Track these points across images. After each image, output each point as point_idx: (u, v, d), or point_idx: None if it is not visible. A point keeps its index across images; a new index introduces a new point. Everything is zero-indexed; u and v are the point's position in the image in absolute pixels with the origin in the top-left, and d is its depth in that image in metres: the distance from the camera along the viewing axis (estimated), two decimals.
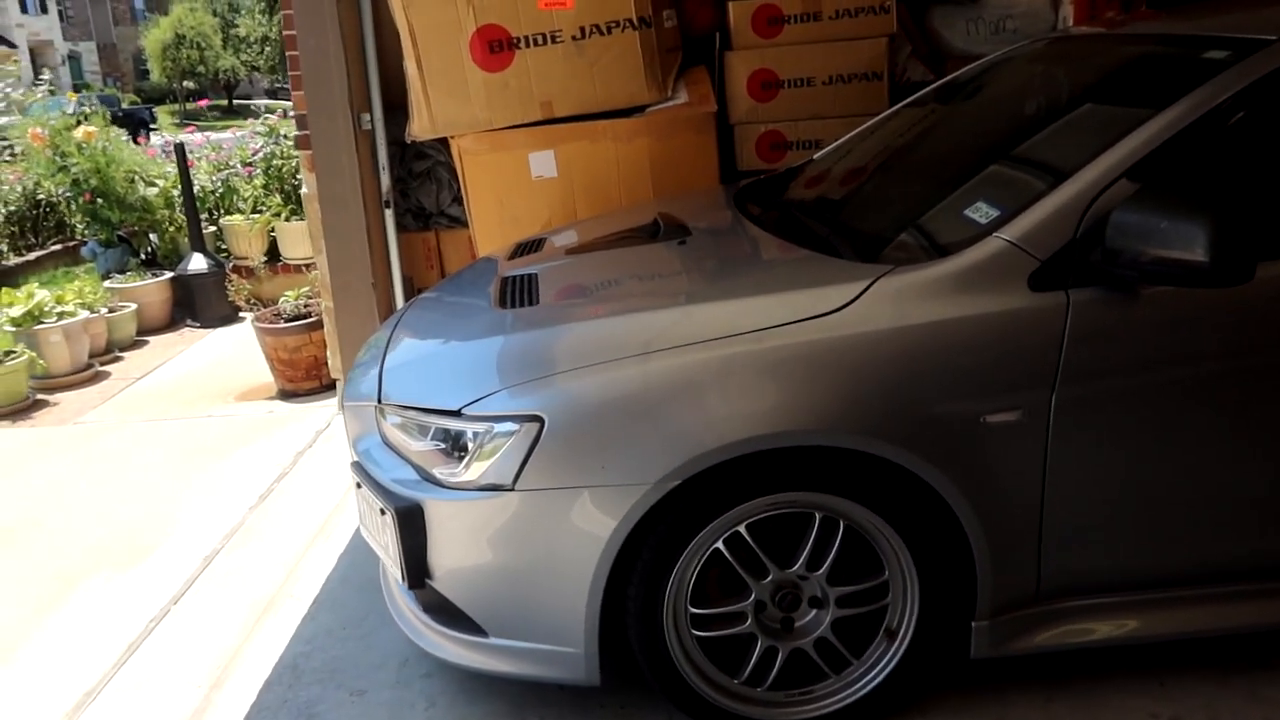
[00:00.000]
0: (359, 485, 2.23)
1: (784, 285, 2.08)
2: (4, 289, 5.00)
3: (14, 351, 4.66)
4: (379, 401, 2.24)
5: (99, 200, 6.04)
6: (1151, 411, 1.94)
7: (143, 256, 6.52)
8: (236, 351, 5.52)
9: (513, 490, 1.94)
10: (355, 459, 2.29)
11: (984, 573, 2.00)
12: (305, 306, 4.67)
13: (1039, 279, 1.91)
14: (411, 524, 2.04)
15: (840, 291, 1.94)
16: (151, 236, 6.54)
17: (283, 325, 4.54)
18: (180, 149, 5.90)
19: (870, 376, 1.89)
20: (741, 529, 1.97)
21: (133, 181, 6.21)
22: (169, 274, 6.12)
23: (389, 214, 4.06)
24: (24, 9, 39.00)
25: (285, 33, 3.89)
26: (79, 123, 6.15)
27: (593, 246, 2.72)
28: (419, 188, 4.21)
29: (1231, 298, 1.87)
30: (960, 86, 2.95)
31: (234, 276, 5.06)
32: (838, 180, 2.81)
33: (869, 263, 2.07)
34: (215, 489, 3.70)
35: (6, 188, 7.65)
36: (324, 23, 3.76)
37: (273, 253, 6.29)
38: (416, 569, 2.07)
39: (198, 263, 6.02)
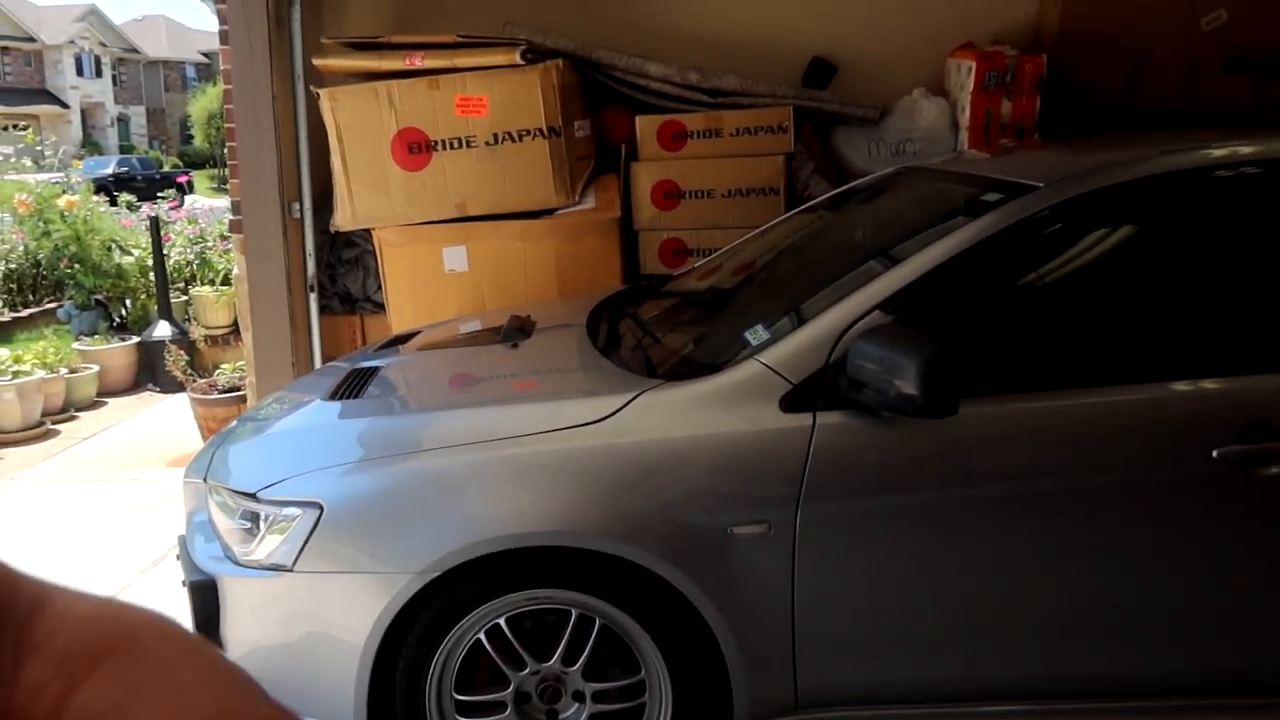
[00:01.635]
0: (177, 557, 2.37)
1: (564, 394, 2.23)
2: None
3: None
4: (205, 479, 2.39)
5: (76, 265, 6.35)
6: (891, 530, 2.05)
7: (115, 321, 6.80)
8: (186, 418, 5.72)
9: (292, 571, 2.08)
10: (182, 532, 2.44)
11: (738, 680, 2.09)
12: (241, 379, 4.87)
13: (790, 401, 2.04)
14: (204, 598, 2.17)
15: (607, 403, 2.09)
16: (125, 302, 6.83)
17: (214, 396, 4.74)
18: (155, 222, 6.22)
19: (622, 484, 2.02)
20: (501, 622, 2.08)
21: (110, 250, 6.53)
22: (135, 339, 6.38)
23: (313, 298, 4.27)
24: (80, 72, 40.82)
25: (227, 125, 4.16)
26: (64, 191, 6.50)
27: (443, 344, 2.90)
28: (346, 274, 4.43)
29: (953, 430, 1.99)
30: (811, 211, 3.14)
31: (173, 349, 5.29)
32: (675, 296, 2.98)
33: (650, 377, 2.21)
34: (117, 550, 3.84)
35: (8, 246, 8.03)
36: (260, 119, 4.04)
37: (238, 324, 6.55)
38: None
39: (163, 329, 6.28)
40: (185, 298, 6.74)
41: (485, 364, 2.61)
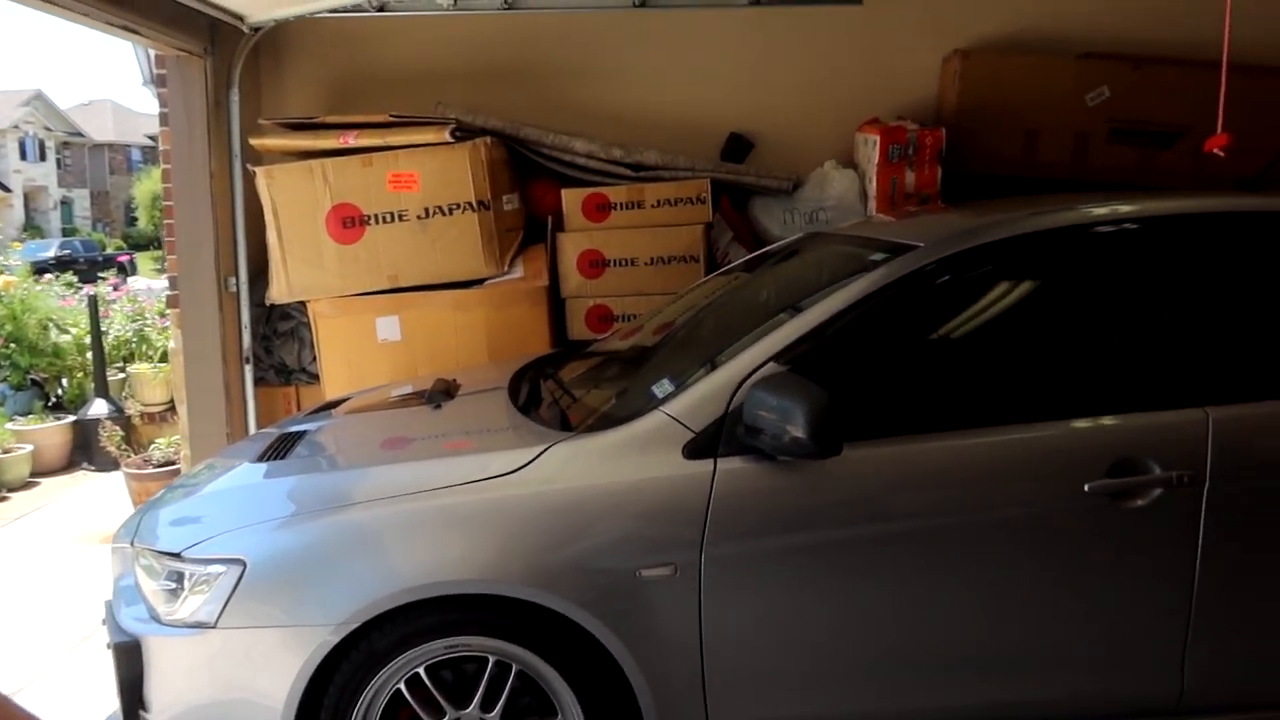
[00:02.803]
0: (103, 622, 2.41)
1: (480, 449, 2.34)
2: None
3: None
4: (132, 544, 2.44)
5: (12, 345, 6.33)
6: (791, 569, 2.17)
7: (51, 400, 6.76)
8: (120, 495, 5.67)
9: (215, 628, 2.13)
10: (109, 597, 2.47)
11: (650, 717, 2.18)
12: (176, 453, 4.88)
13: (692, 448, 2.17)
14: (128, 659, 2.21)
15: (518, 455, 2.20)
16: (62, 381, 6.80)
17: (149, 471, 4.74)
18: (93, 300, 6.24)
19: (533, 532, 2.12)
20: (420, 671, 2.15)
21: (46, 329, 6.52)
22: (71, 418, 6.34)
23: (248, 370, 4.34)
24: (23, 155, 40.52)
25: (165, 203, 4.27)
26: (1, 272, 6.51)
27: (371, 408, 2.99)
28: (282, 346, 4.51)
29: (846, 471, 2.14)
30: (728, 274, 3.32)
31: (108, 425, 5.29)
32: (596, 358, 3.11)
33: (565, 431, 2.33)
34: (45, 629, 3.80)
35: None
36: (198, 196, 4.15)
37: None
38: (130, 703, 2.23)
39: (99, 408, 6.25)
40: (123, 375, 6.72)
41: (408, 425, 2.71)
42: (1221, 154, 2.98)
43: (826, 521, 2.17)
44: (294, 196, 4.05)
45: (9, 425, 6.10)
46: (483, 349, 4.12)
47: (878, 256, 2.43)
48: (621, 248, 4.17)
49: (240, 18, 3.97)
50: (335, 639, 2.08)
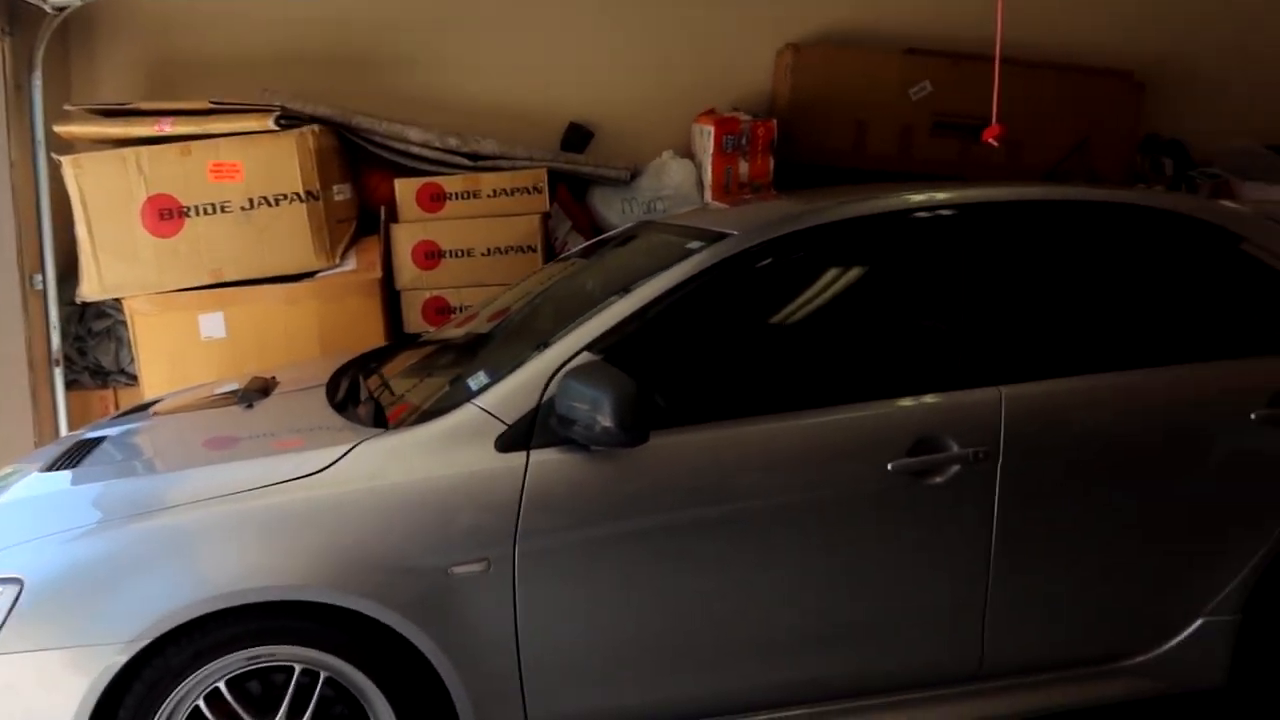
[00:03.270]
0: None
1: (285, 449, 2.25)
2: None
3: None
4: None
5: None
6: (608, 559, 2.17)
7: None
8: None
9: None
10: None
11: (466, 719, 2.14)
12: None
13: (505, 441, 2.14)
14: None
15: (325, 455, 2.12)
16: None
17: None
18: None
19: (338, 533, 2.05)
20: (221, 685, 2.05)
21: None
22: None
23: (58, 373, 4.06)
24: None
25: None
26: None
27: (183, 408, 2.84)
28: (97, 346, 4.24)
29: (660, 458, 2.15)
30: (563, 262, 3.30)
31: None
32: (424, 351, 3.04)
33: (380, 428, 2.27)
34: None
35: None
36: None
37: None
38: None
39: None
40: None
41: (215, 426, 2.58)
42: (996, 143, 3.17)
43: (641, 510, 2.18)
44: (105, 187, 3.80)
45: None
46: (315, 344, 3.97)
47: (694, 245, 2.46)
48: (457, 238, 4.09)
49: None
50: (123, 659, 1.96)
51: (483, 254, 4.10)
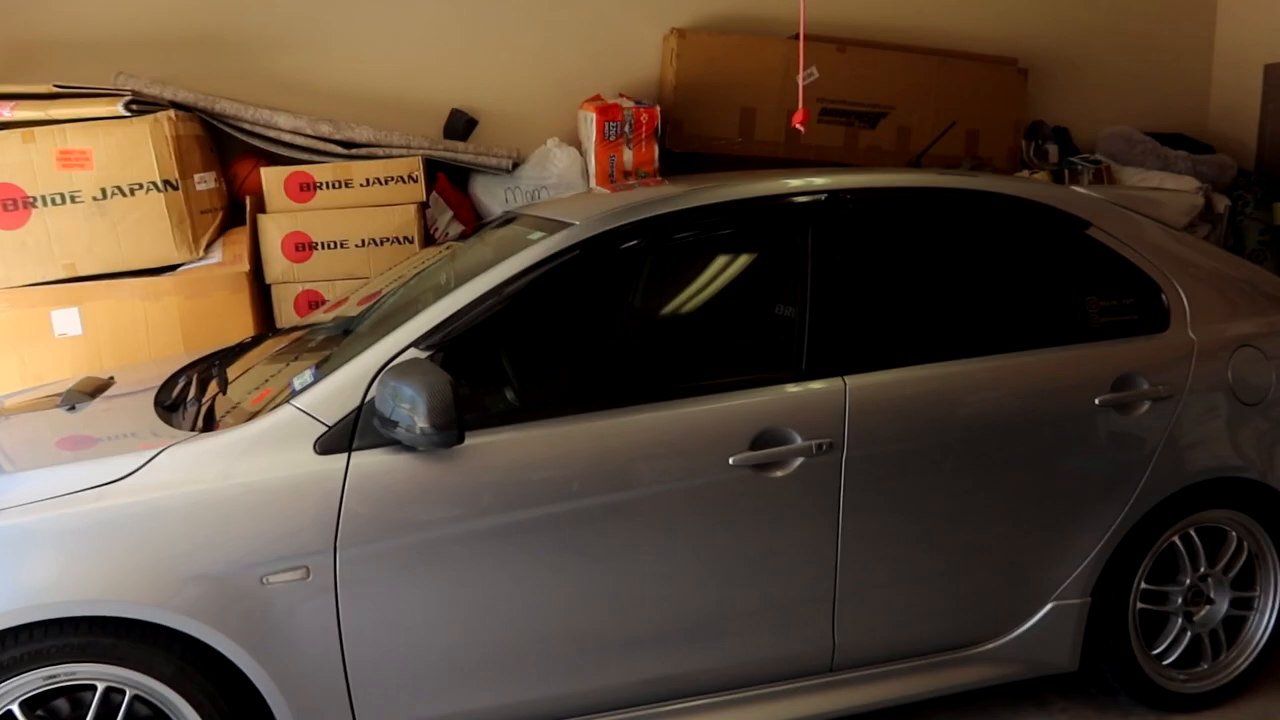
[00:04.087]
0: None
1: (90, 455, 2.11)
2: None
3: None
4: None
5: None
6: (435, 562, 2.09)
7: None
8: None
9: None
10: None
11: None
12: None
13: (325, 443, 2.04)
14: None
15: (131, 460, 2.00)
16: None
17: None
18: None
19: (139, 542, 1.93)
20: (14, 708, 1.92)
21: None
22: None
23: None
24: None
25: None
26: None
27: (14, 409, 2.68)
28: None
29: (488, 457, 2.07)
30: (434, 250, 3.19)
31: None
32: (276, 348, 2.91)
33: (203, 431, 2.15)
34: None
35: None
36: None
37: None
38: None
39: None
40: None
41: (32, 430, 2.43)
42: (803, 129, 3.17)
43: (470, 512, 2.10)
44: None
45: None
46: (178, 341, 3.80)
47: (534, 236, 2.38)
48: (330, 229, 3.94)
49: None
50: None
51: (357, 245, 3.96)
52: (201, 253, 3.84)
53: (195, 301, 3.81)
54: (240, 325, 3.83)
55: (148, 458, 2.00)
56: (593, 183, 4.26)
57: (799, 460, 2.26)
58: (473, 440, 2.06)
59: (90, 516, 1.93)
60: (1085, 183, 4.50)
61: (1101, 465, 2.49)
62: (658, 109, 4.23)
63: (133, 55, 4.12)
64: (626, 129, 4.18)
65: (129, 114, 3.61)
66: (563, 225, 2.35)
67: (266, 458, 2.02)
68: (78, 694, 1.98)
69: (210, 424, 2.24)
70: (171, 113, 3.73)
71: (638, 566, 2.21)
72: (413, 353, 2.11)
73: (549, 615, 2.18)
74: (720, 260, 2.41)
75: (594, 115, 4.19)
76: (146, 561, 1.92)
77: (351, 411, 2.06)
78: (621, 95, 4.42)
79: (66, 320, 3.78)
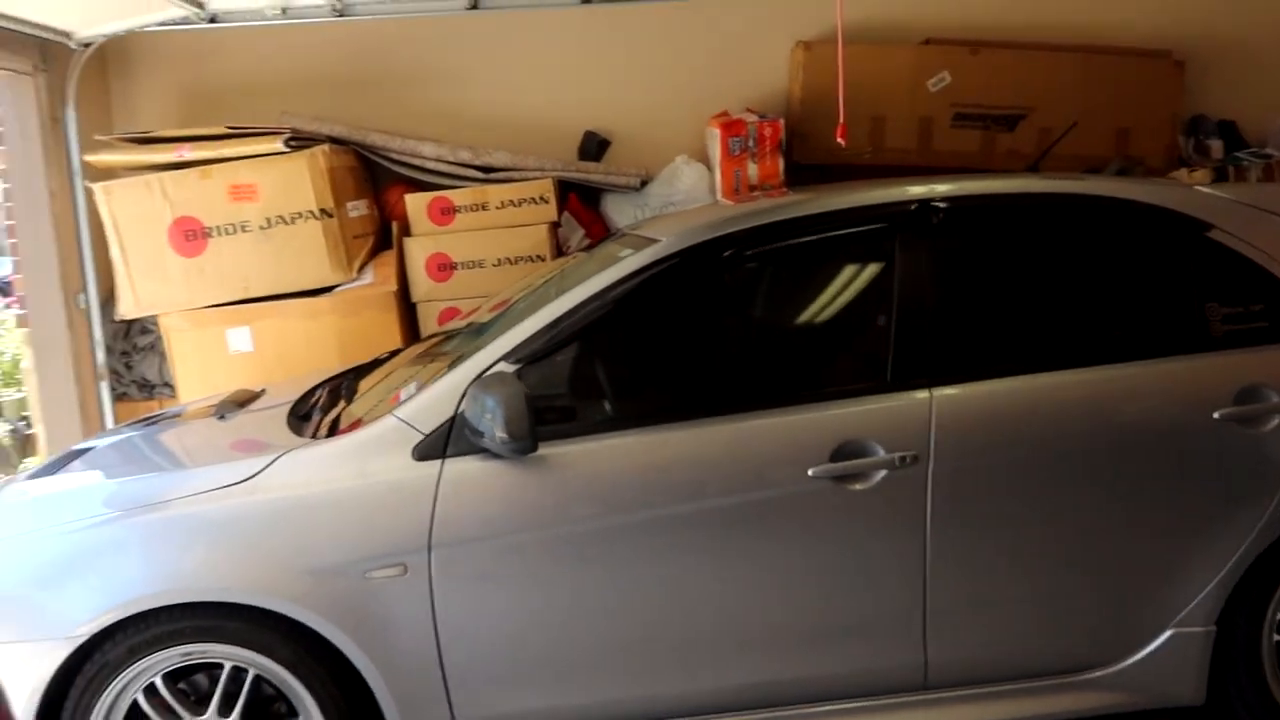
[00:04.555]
0: None
1: (224, 459, 2.36)
2: None
3: None
4: None
5: None
6: (523, 564, 2.20)
7: None
8: None
9: None
10: None
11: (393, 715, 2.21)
12: None
13: (422, 450, 2.20)
14: None
15: (253, 464, 2.22)
16: None
17: None
18: None
19: (261, 539, 2.15)
20: (157, 680, 2.17)
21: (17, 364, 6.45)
22: None
23: (104, 386, 4.34)
24: None
25: (8, 221, 4.26)
26: None
27: (186, 418, 3.01)
28: (143, 360, 4.51)
29: (575, 466, 2.18)
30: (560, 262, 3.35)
31: None
32: (396, 364, 3.13)
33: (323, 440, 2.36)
34: None
35: None
36: (38, 214, 4.15)
37: None
38: None
39: None
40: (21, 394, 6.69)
41: (190, 437, 2.73)
42: (844, 142, 3.10)
43: (552, 517, 2.21)
44: (134, 211, 4.05)
45: None
46: (334, 356, 4.12)
47: (624, 254, 2.47)
48: (468, 250, 4.19)
49: (66, 34, 3.97)
50: (65, 652, 2.10)
51: (494, 264, 4.19)
52: (355, 274, 4.16)
53: (349, 320, 4.14)
54: (390, 341, 4.12)
55: (268, 462, 2.22)
56: (719, 197, 4.32)
57: (881, 473, 2.24)
58: (557, 449, 2.18)
59: (218, 513, 2.17)
60: (1253, 179, 4.18)
61: (1222, 484, 2.33)
62: (781, 122, 4.25)
63: (295, 96, 4.52)
64: (750, 143, 4.23)
65: (288, 149, 3.97)
66: (650, 243, 2.43)
67: (370, 463, 2.20)
68: (214, 671, 2.22)
69: (333, 432, 2.45)
70: (326, 146, 4.07)
71: (723, 573, 2.25)
72: (502, 366, 2.24)
73: (628, 620, 2.25)
74: (807, 272, 2.43)
75: (719, 131, 4.25)
76: (262, 554, 2.14)
77: (445, 421, 2.21)
78: (748, 110, 4.46)
79: (239, 338, 4.18)
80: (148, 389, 4.53)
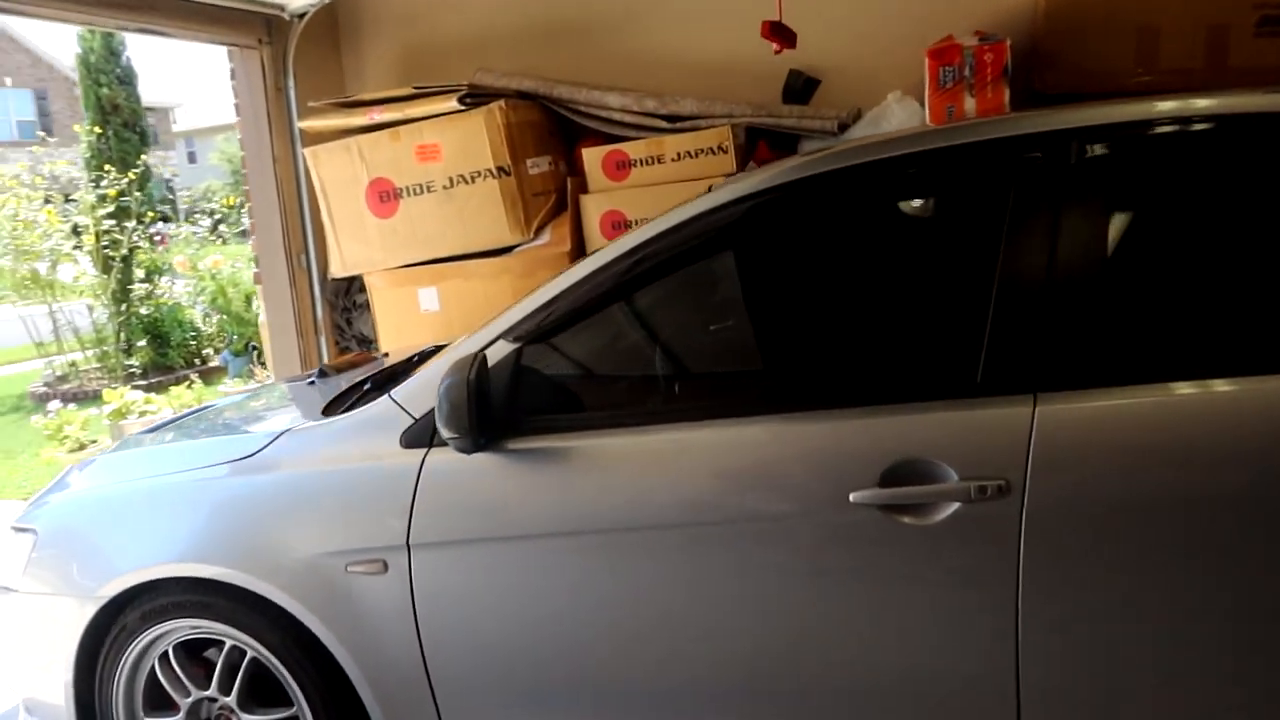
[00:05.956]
0: None
1: (237, 433, 2.29)
2: (107, 390, 6.16)
3: (95, 440, 5.73)
4: None
5: (223, 317, 7.24)
6: (503, 568, 1.91)
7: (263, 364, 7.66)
8: None
9: (17, 591, 2.29)
10: None
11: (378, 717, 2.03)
12: None
13: (410, 436, 1.98)
14: None
15: (258, 440, 2.13)
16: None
17: None
18: None
19: (253, 518, 2.05)
20: (169, 649, 2.17)
21: (249, 301, 7.37)
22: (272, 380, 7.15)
23: (322, 340, 4.61)
24: None
25: (244, 186, 4.63)
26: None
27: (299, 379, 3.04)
28: (360, 317, 4.74)
29: (558, 464, 1.85)
30: None
31: None
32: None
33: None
34: None
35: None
36: (265, 178, 4.46)
37: None
38: None
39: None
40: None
41: (276, 401, 2.72)
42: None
43: (538, 519, 1.88)
44: (337, 174, 4.21)
45: (221, 387, 6.99)
46: None
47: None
48: (642, 206, 3.89)
49: (280, 7, 4.17)
50: (93, 611, 2.15)
51: None
52: (532, 234, 4.03)
53: (525, 281, 4.01)
54: None
55: (270, 439, 2.11)
56: None
57: (952, 506, 1.66)
58: (539, 444, 1.86)
59: (215, 489, 2.10)
60: None
61: None
62: (1006, 44, 3.46)
63: (497, 51, 4.45)
64: (967, 72, 3.50)
65: (463, 107, 3.90)
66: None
67: (360, 447, 2.02)
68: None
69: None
70: (503, 102, 3.94)
71: (701, 608, 1.80)
72: (501, 344, 1.95)
73: (606, 642, 1.88)
74: (858, 236, 1.87)
75: (928, 61, 3.57)
76: (250, 534, 2.04)
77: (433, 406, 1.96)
78: (976, 33, 3.70)
79: (429, 298, 4.23)
80: (366, 345, 4.75)
